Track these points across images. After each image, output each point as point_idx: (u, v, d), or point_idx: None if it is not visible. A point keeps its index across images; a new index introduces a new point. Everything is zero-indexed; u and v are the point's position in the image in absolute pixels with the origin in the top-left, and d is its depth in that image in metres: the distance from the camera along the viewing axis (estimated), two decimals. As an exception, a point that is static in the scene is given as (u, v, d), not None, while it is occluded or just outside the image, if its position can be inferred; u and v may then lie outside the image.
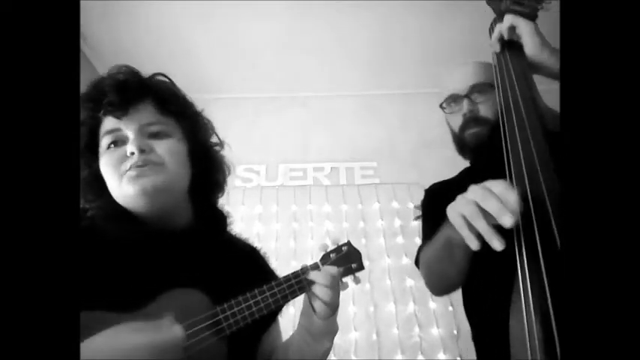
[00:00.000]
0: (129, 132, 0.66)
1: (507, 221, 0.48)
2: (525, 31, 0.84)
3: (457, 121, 0.98)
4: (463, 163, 1.06)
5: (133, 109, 0.67)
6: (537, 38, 0.83)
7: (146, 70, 0.74)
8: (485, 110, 0.95)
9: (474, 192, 0.54)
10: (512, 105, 0.71)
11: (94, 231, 0.67)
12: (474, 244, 0.52)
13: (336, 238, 0.81)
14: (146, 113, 0.68)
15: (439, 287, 0.91)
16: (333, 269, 0.72)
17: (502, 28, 0.87)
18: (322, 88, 2.78)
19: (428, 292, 0.95)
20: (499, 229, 0.51)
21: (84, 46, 2.34)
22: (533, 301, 0.42)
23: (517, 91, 0.73)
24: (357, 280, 0.79)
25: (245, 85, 2.74)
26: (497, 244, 0.49)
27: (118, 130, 0.67)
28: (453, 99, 0.99)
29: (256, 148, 2.59)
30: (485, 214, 0.51)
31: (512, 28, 0.86)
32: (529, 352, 0.39)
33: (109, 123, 0.67)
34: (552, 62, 0.81)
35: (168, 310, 0.62)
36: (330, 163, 2.56)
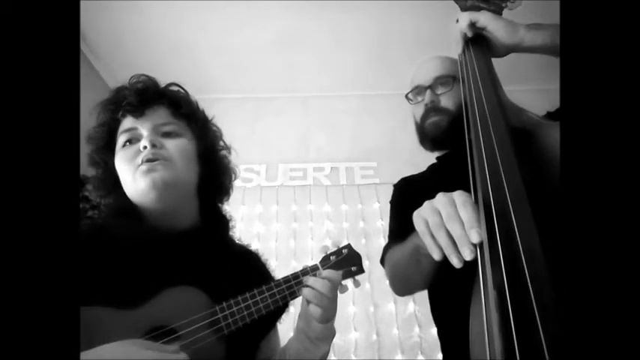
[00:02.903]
0: (144, 130, 0.71)
1: (467, 255, 0.45)
2: (487, 22, 0.82)
3: (419, 111, 1.00)
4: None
5: (149, 110, 0.73)
6: (501, 22, 0.81)
7: (145, 70, 0.78)
8: (446, 101, 0.96)
9: (441, 203, 0.51)
10: (475, 104, 0.68)
11: (98, 228, 0.70)
12: (436, 254, 0.50)
13: (337, 240, 0.82)
14: (160, 115, 0.74)
15: (403, 290, 0.91)
16: (333, 274, 0.72)
17: (462, 25, 0.85)
18: (322, 88, 2.78)
19: (428, 292, 0.95)
20: None
21: (84, 46, 2.35)
22: (492, 304, 0.39)
23: (481, 89, 0.71)
24: (356, 284, 0.79)
25: (245, 85, 2.74)
26: (455, 262, 0.47)
27: (134, 129, 0.72)
28: (418, 90, 1.01)
29: (256, 147, 2.59)
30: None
31: (472, 25, 0.84)
32: (488, 354, 0.37)
33: (126, 123, 0.73)
34: (531, 37, 0.79)
35: (168, 307, 0.62)
36: (330, 163, 2.56)
